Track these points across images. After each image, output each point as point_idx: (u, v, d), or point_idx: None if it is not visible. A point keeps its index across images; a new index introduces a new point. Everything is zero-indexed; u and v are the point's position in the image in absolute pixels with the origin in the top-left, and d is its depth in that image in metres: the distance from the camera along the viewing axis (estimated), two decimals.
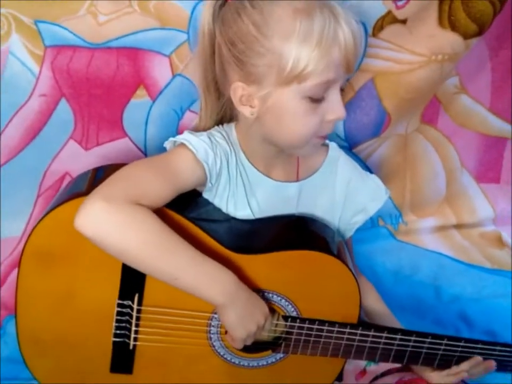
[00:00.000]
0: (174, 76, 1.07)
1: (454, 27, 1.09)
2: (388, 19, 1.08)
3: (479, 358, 0.94)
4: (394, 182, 1.36)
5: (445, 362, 0.95)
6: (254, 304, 0.85)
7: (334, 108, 0.83)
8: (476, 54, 1.21)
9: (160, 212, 0.80)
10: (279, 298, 0.89)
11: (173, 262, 0.78)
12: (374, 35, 1.09)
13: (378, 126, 1.22)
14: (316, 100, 0.81)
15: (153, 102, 1.10)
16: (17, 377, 1.09)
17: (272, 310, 0.90)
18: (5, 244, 1.18)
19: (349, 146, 1.24)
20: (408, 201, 1.39)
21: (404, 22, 1.09)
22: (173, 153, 0.88)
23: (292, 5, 0.79)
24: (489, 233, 1.43)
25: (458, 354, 0.94)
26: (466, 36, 1.10)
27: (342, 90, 0.84)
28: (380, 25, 1.08)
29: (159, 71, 1.07)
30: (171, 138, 0.89)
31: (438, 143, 1.34)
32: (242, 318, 0.82)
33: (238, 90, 0.85)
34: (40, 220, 0.82)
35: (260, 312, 0.85)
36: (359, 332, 0.90)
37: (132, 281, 0.85)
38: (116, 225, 0.75)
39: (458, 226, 1.43)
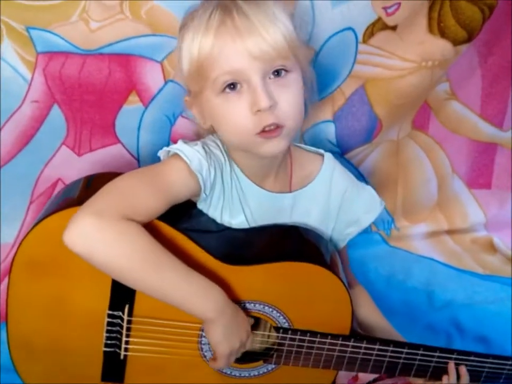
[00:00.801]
0: (166, 82, 1.08)
1: (443, 33, 1.10)
2: (378, 26, 1.09)
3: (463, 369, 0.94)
4: (387, 188, 1.36)
5: (437, 375, 0.94)
6: (238, 320, 0.84)
7: (255, 98, 0.78)
8: (465, 60, 1.22)
9: (149, 223, 0.79)
10: (270, 309, 0.88)
11: (163, 280, 0.78)
12: (364, 42, 1.10)
13: (370, 132, 1.22)
14: (232, 92, 0.79)
15: (146, 108, 1.10)
16: None
17: (264, 322, 0.90)
18: None
19: (341, 152, 1.25)
20: (400, 206, 1.39)
21: (394, 28, 1.10)
22: (166, 164, 0.85)
23: (194, 12, 0.82)
24: (481, 239, 1.43)
25: None
26: (455, 42, 1.11)
27: (277, 74, 0.80)
28: (370, 32, 1.09)
29: (151, 77, 1.07)
30: (165, 148, 0.87)
31: (429, 149, 1.34)
32: (228, 333, 0.82)
33: (187, 103, 0.88)
34: (31, 230, 0.81)
35: (243, 329, 0.85)
36: (351, 343, 0.90)
37: (122, 292, 0.84)
38: (106, 243, 0.74)
39: (450, 232, 1.43)
